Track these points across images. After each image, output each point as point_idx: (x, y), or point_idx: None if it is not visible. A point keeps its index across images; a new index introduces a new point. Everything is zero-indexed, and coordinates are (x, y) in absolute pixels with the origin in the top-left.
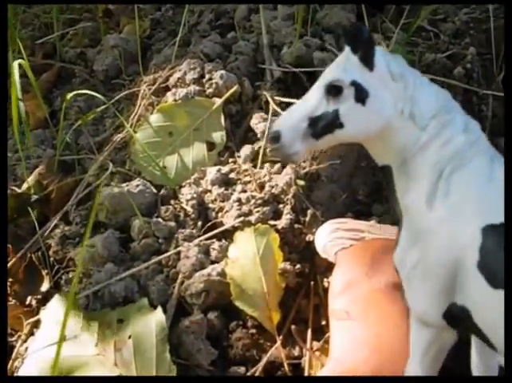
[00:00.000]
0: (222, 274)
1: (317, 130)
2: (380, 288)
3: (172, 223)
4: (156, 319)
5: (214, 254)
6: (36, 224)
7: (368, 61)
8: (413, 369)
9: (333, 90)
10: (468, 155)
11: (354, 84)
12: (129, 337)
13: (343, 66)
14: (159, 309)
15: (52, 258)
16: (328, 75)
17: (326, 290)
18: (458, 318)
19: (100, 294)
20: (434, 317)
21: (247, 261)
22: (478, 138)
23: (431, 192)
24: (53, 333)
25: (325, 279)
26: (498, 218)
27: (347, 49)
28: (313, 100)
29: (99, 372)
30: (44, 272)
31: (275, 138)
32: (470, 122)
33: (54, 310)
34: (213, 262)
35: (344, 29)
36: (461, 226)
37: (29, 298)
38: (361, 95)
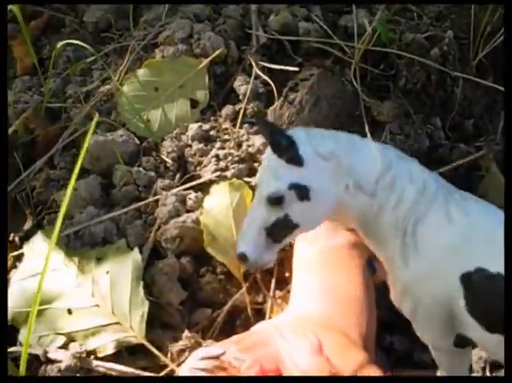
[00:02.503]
0: (197, 222)
1: (276, 237)
2: (341, 244)
3: (152, 173)
4: (133, 258)
5: (190, 203)
6: (21, 166)
7: (295, 160)
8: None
9: (275, 201)
10: (422, 205)
11: (292, 187)
12: (107, 272)
13: (274, 175)
14: (136, 250)
15: (35, 199)
16: (265, 187)
17: (291, 244)
18: (468, 342)
19: (80, 234)
20: (446, 347)
21: (221, 211)
22: (424, 182)
23: (401, 250)
24: (35, 266)
25: None
26: (471, 263)
27: (270, 152)
28: (261, 213)
29: (77, 302)
30: (27, 211)
31: (243, 259)
32: (412, 167)
33: (37, 245)
34: (188, 211)
35: (262, 132)
36: (440, 278)
37: (12, 234)
38: (303, 193)
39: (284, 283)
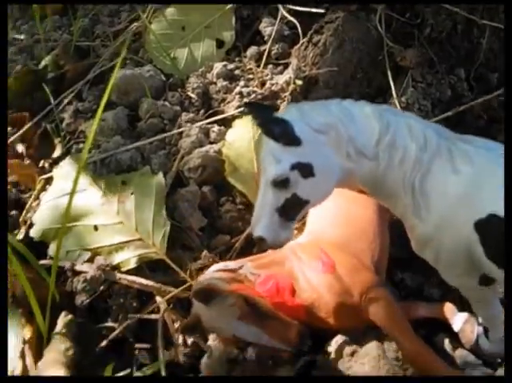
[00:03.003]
0: (219, 152)
1: (289, 215)
2: None
3: (177, 108)
4: (157, 181)
5: (213, 136)
6: (51, 97)
7: (292, 141)
8: (487, 315)
9: (280, 184)
10: (426, 160)
11: (294, 167)
12: (131, 193)
13: (274, 159)
14: (160, 174)
15: (64, 130)
16: (268, 172)
17: None
18: (492, 281)
19: (106, 161)
20: (472, 287)
21: (243, 144)
22: (425, 137)
23: (414, 207)
24: (64, 187)
25: None
26: (482, 210)
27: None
28: (269, 196)
29: (103, 219)
30: (56, 141)
31: (262, 241)
32: (411, 123)
33: (66, 169)
34: (211, 143)
35: (254, 120)
36: (454, 228)
37: (42, 161)
38: (306, 170)
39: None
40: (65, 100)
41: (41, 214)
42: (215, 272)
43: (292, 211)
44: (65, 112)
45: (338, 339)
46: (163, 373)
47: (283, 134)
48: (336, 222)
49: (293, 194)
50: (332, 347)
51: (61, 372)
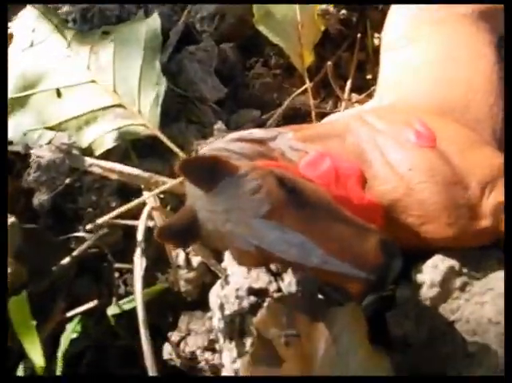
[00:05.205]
0: None
1: None
2: (463, 12)
3: None
4: (149, 25)
5: None
6: None
7: None
8: None
9: None
10: None
11: None
12: (111, 40)
13: None
14: (155, 15)
15: None
16: None
17: (376, 49)
18: None
19: (89, 15)
20: None
21: None
22: None
23: None
24: (25, 43)
25: (377, 35)
26: None
27: None
28: None
29: (68, 78)
30: None
31: None
32: None
33: (25, 20)
34: None
35: None
36: None
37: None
38: None
39: (364, 89)
40: None
41: None
42: (231, 142)
43: None
44: None
45: (438, 262)
46: (141, 309)
47: None
48: (435, 75)
49: None
50: (426, 275)
51: None
